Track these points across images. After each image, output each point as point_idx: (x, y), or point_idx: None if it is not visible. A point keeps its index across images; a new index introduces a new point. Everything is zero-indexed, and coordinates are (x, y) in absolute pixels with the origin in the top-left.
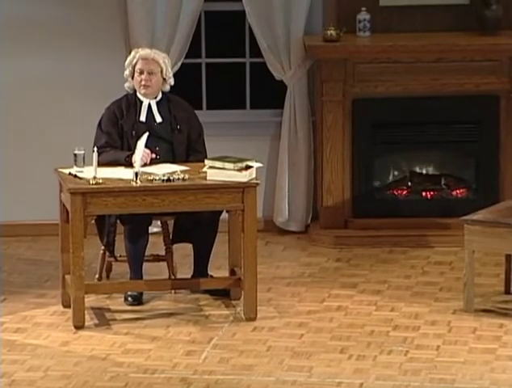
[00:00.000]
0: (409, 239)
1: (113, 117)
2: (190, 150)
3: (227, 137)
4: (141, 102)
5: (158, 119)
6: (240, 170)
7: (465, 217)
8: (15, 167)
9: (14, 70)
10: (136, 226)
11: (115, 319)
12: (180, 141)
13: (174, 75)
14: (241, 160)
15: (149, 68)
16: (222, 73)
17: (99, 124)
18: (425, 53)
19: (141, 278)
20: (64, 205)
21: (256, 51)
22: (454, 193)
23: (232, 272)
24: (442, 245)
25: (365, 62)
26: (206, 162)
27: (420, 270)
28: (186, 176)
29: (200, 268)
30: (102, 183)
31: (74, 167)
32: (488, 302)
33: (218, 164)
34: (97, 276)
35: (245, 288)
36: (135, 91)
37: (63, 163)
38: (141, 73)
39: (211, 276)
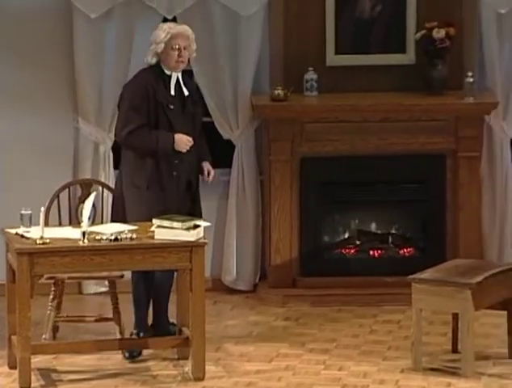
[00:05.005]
0: (357, 298)
1: (144, 93)
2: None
3: None
4: (169, 76)
5: (186, 92)
6: (188, 229)
7: (412, 276)
8: None
9: None
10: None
11: (61, 380)
12: (198, 114)
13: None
14: (189, 219)
15: (185, 43)
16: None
17: (126, 104)
18: (372, 113)
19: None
20: (10, 265)
21: (204, 110)
22: (401, 252)
23: (180, 332)
24: (389, 303)
25: (313, 121)
26: (154, 221)
27: (368, 329)
28: (134, 235)
29: (162, 317)
30: (49, 243)
31: (21, 227)
32: (436, 361)
33: (166, 223)
34: (44, 336)
35: (194, 347)
36: (156, 64)
37: (10, 223)
38: (179, 48)
39: (173, 323)
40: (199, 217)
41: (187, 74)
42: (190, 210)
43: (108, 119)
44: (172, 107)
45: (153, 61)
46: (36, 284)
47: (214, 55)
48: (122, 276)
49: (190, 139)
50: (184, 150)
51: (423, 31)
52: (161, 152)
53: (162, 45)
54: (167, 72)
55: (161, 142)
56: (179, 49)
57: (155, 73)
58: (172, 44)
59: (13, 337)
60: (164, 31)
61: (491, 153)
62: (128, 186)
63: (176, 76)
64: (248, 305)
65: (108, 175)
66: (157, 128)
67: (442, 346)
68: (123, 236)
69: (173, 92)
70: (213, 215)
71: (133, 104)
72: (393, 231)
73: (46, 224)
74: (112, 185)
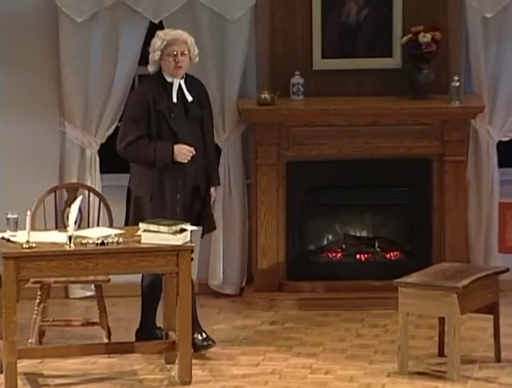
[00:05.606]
0: (343, 302)
1: (144, 103)
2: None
3: None
4: (170, 83)
5: (189, 98)
6: (174, 233)
7: (399, 280)
8: None
9: None
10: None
11: (47, 385)
12: (207, 119)
13: (108, 138)
14: (175, 223)
15: (181, 49)
16: None
17: (126, 115)
18: (359, 117)
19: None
20: None
21: None
22: (388, 256)
23: (167, 336)
24: (376, 307)
25: (299, 125)
26: (140, 225)
27: (354, 333)
28: (121, 239)
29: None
30: (35, 247)
31: (7, 231)
32: (423, 365)
33: (153, 227)
34: (30, 340)
35: (180, 351)
36: (158, 72)
37: None
38: (175, 54)
39: (160, 328)
40: (211, 220)
41: (194, 79)
42: (200, 214)
43: (94, 123)
44: (174, 115)
45: (153, 69)
46: (22, 288)
47: (200, 59)
48: (108, 281)
49: (191, 149)
50: (185, 161)
51: (409, 36)
52: (160, 163)
53: (159, 53)
54: (168, 79)
55: (158, 153)
56: (176, 55)
57: (157, 82)
58: (168, 51)
59: None
60: (160, 38)
61: (477, 156)
62: (133, 195)
63: (178, 82)
64: (234, 309)
65: (94, 179)
66: (159, 139)
67: (429, 350)
68: (110, 240)
69: (175, 99)
70: None
71: (132, 115)
72: (380, 235)
73: (32, 228)
74: (98, 189)
